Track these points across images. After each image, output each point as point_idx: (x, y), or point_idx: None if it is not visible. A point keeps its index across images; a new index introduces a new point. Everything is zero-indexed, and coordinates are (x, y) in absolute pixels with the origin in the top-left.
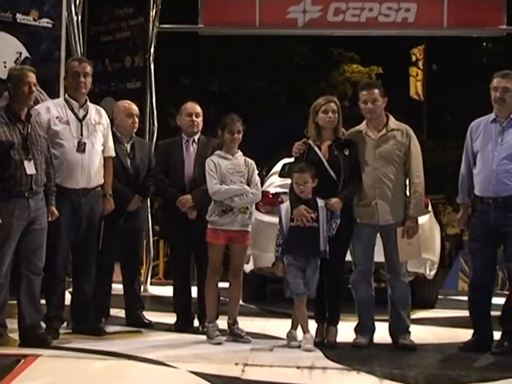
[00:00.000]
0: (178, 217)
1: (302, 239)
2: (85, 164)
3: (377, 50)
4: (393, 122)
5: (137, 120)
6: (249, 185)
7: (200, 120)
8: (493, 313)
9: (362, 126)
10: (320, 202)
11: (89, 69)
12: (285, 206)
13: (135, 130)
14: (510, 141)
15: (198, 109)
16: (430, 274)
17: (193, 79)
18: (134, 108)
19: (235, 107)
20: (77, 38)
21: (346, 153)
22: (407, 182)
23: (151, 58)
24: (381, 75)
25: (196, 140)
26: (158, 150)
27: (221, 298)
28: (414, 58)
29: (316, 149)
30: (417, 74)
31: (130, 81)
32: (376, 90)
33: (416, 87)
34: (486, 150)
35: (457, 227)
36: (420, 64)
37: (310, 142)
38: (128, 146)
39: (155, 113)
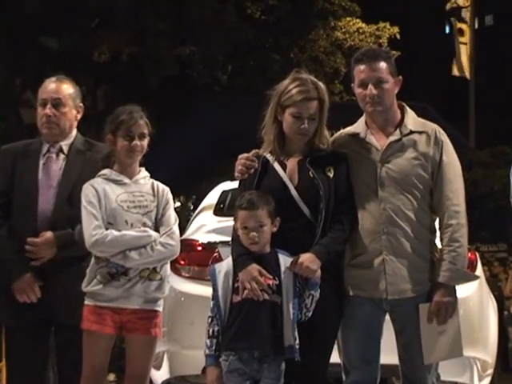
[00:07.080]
0: None
1: (253, 325)
2: None
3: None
4: (412, 120)
5: None
6: (158, 230)
7: (65, 111)
8: None
9: (360, 127)
10: (284, 259)
11: None
12: (224, 267)
13: None
14: None
15: (63, 91)
16: None
17: (60, 38)
18: None
19: (140, 89)
20: None
21: (330, 174)
22: (437, 223)
23: None
24: (396, 41)
25: (65, 148)
26: None
27: None
28: (452, 5)
29: (277, 166)
30: (460, 32)
31: None
32: (382, 64)
33: (460, 57)
34: None
35: None
36: (466, 16)
37: (267, 154)
38: None
39: None
